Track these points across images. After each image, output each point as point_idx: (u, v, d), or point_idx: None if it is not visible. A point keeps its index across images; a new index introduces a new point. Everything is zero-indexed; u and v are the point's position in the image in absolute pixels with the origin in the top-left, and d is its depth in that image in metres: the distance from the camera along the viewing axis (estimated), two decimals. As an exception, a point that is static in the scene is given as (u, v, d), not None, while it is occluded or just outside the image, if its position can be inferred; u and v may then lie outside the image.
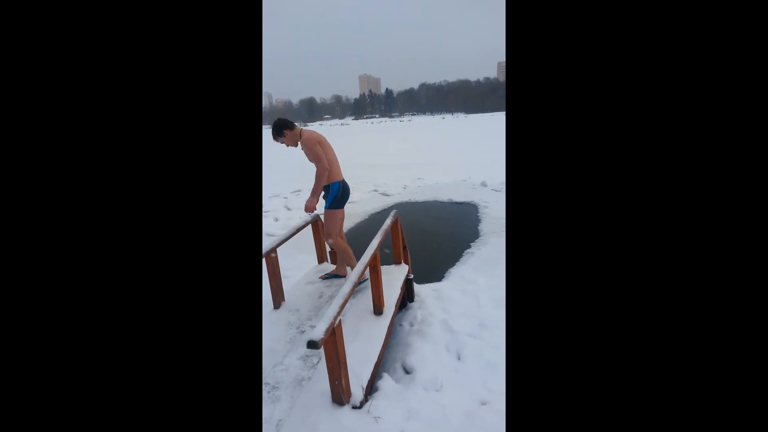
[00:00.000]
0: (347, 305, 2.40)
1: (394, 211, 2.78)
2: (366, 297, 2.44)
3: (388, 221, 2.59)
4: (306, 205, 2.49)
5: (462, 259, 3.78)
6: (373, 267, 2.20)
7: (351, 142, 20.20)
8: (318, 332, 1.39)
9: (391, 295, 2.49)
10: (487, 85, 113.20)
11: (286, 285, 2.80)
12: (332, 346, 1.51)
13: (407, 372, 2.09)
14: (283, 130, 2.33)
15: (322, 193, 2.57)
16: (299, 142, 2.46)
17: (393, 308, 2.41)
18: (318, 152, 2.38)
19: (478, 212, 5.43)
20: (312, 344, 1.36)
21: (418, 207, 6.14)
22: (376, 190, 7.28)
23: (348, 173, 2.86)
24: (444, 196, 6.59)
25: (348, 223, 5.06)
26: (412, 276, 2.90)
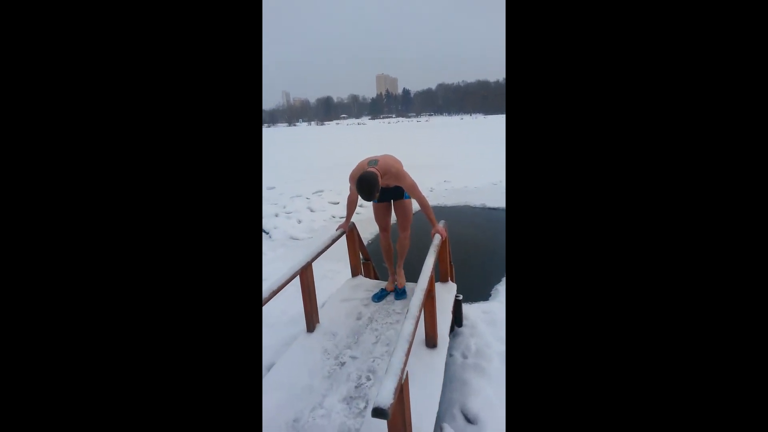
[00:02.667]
0: (392, 334, 2.07)
1: (443, 221, 2.43)
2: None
3: (437, 238, 2.24)
4: (440, 233, 2.30)
5: (509, 275, 3.39)
6: (429, 292, 1.86)
7: (368, 142, 19.91)
8: (385, 396, 1.06)
9: (444, 321, 2.14)
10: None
11: (317, 300, 2.49)
12: (399, 407, 1.17)
13: (469, 421, 1.74)
14: (378, 186, 2.11)
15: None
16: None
17: (447, 339, 2.06)
18: (418, 191, 2.27)
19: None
20: (379, 413, 1.03)
21: (448, 212, 5.74)
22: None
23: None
24: (475, 200, 6.19)
25: (371, 229, 4.69)
26: (461, 297, 2.54)
